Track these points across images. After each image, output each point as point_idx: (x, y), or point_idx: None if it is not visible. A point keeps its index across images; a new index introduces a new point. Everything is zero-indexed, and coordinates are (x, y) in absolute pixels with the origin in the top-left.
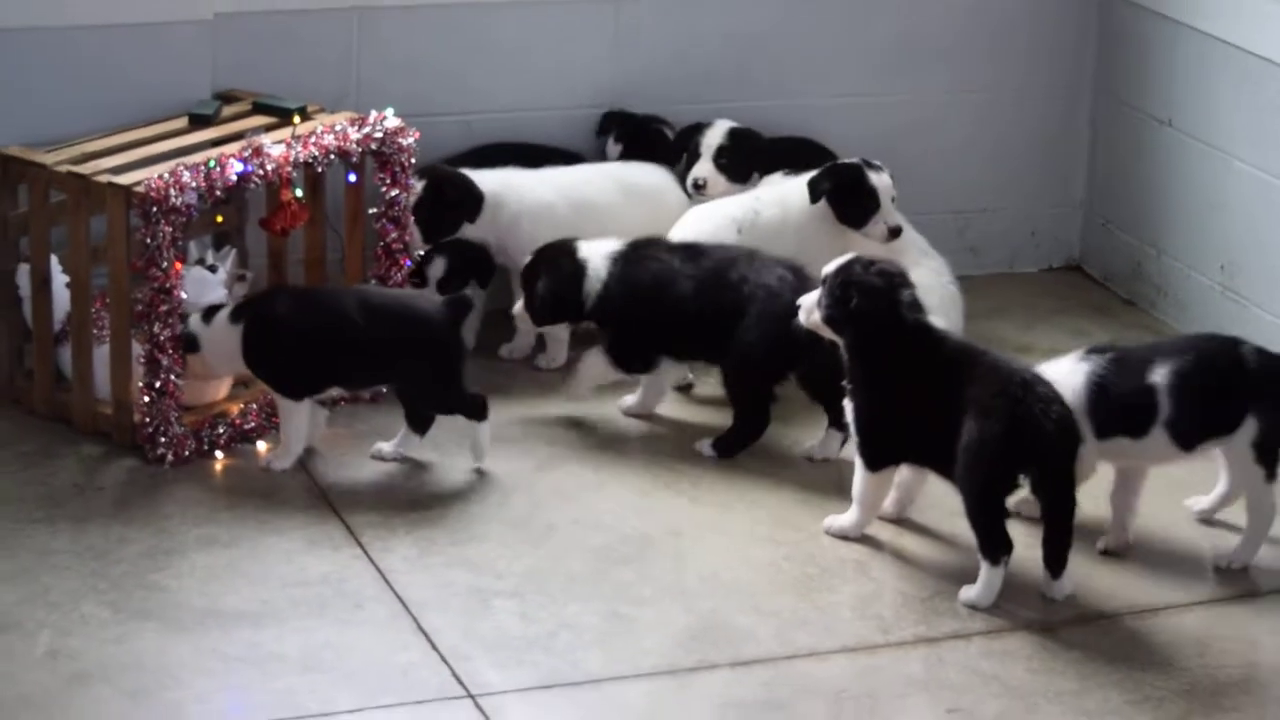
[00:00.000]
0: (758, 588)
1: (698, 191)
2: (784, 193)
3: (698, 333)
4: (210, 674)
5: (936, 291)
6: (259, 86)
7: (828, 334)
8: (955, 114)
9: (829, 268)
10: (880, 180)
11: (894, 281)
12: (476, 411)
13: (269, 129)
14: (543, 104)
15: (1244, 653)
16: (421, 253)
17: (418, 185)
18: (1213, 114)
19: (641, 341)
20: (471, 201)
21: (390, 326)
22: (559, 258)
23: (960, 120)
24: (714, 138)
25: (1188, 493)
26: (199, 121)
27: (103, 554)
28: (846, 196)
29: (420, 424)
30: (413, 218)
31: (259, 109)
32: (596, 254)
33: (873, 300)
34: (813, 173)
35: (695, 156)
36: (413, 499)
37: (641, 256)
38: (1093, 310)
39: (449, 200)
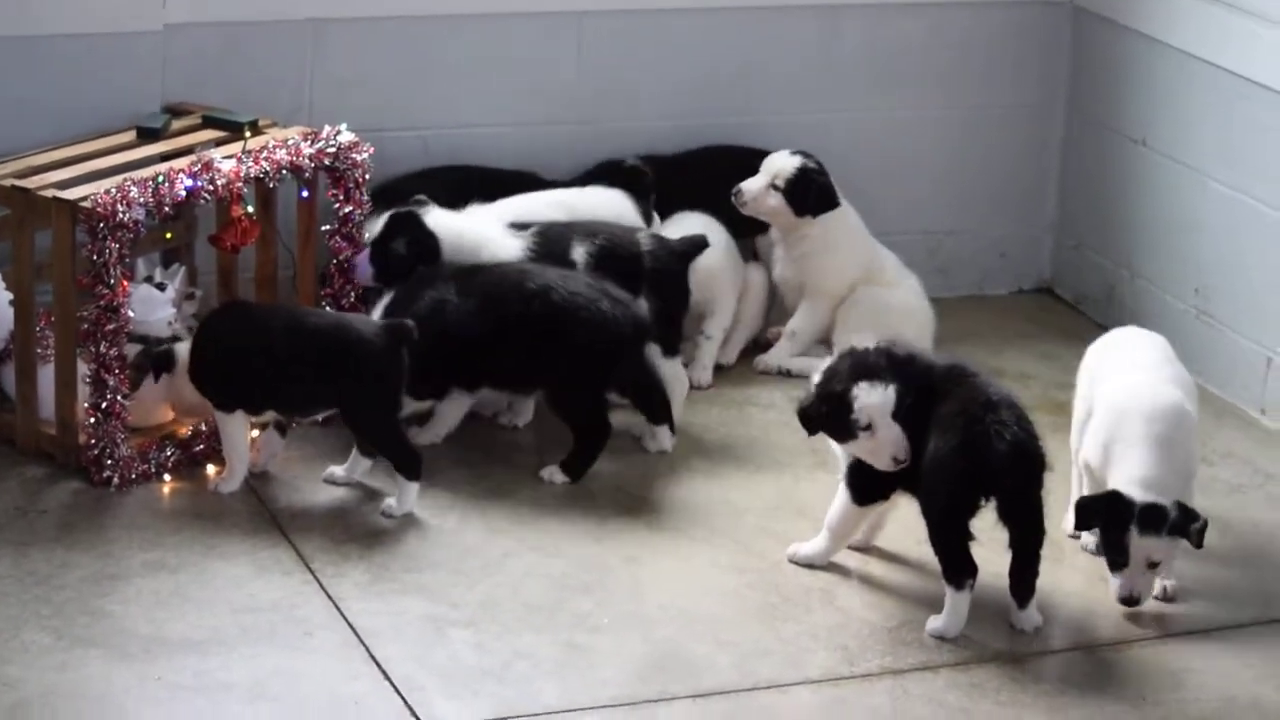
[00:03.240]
0: (719, 617)
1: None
2: None
3: (505, 352)
4: (156, 703)
5: (920, 314)
6: (210, 99)
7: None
8: (924, 133)
9: (857, 392)
10: None
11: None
12: (409, 468)
13: (219, 143)
14: (502, 120)
15: (1219, 686)
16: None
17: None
18: (1188, 133)
19: (427, 370)
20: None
21: (323, 348)
22: None
23: (930, 139)
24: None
25: None
26: (147, 135)
27: (45, 579)
28: None
29: (369, 448)
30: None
31: (209, 123)
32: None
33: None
34: None
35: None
36: (365, 524)
37: (413, 292)
38: (1064, 334)
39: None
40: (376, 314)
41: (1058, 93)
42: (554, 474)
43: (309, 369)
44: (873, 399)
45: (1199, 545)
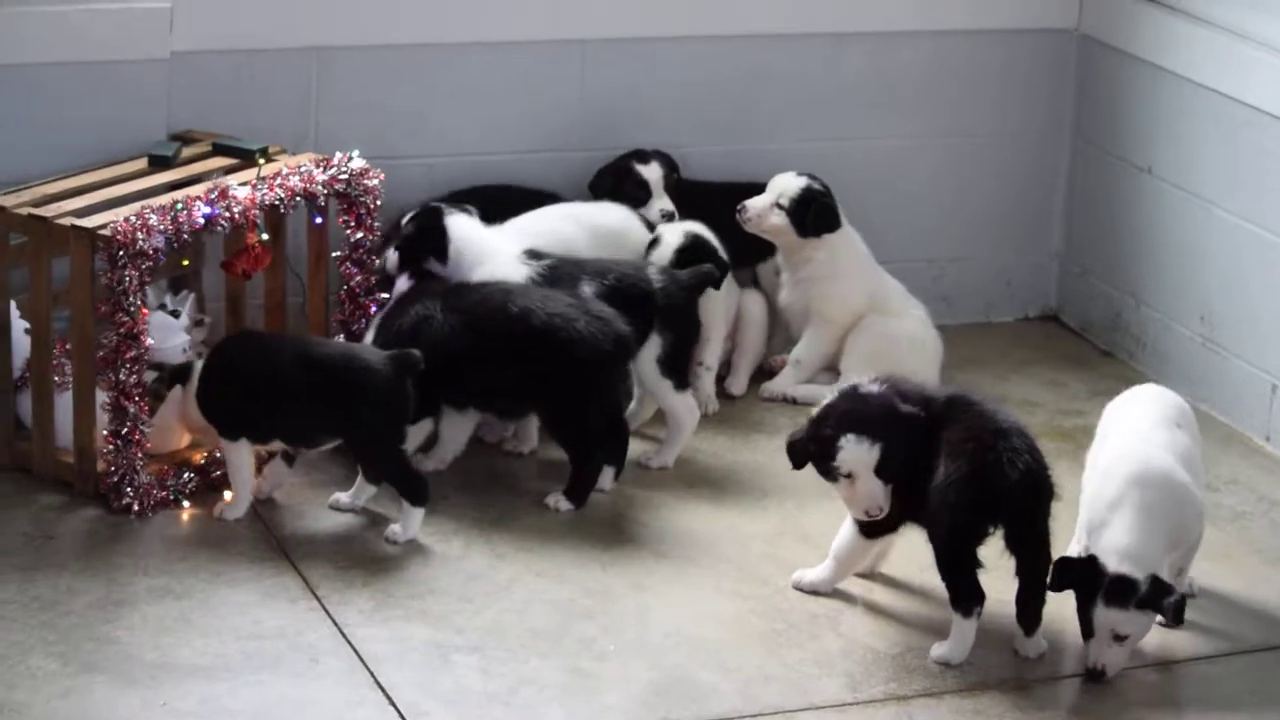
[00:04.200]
0: (723, 643)
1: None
2: None
3: (488, 372)
4: None
5: (929, 344)
6: (216, 127)
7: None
8: (929, 160)
9: (844, 443)
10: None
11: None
12: (415, 494)
13: (229, 170)
14: (507, 147)
15: (1223, 714)
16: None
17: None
18: (1193, 161)
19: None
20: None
21: (330, 378)
22: None
23: (934, 166)
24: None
25: None
26: (159, 163)
27: (51, 604)
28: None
29: (374, 475)
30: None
31: (219, 150)
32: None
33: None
34: None
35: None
36: (370, 551)
37: (402, 310)
38: (1070, 362)
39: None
40: (370, 332)
41: (1063, 120)
42: (559, 501)
43: (315, 398)
44: (857, 454)
45: (1176, 621)
